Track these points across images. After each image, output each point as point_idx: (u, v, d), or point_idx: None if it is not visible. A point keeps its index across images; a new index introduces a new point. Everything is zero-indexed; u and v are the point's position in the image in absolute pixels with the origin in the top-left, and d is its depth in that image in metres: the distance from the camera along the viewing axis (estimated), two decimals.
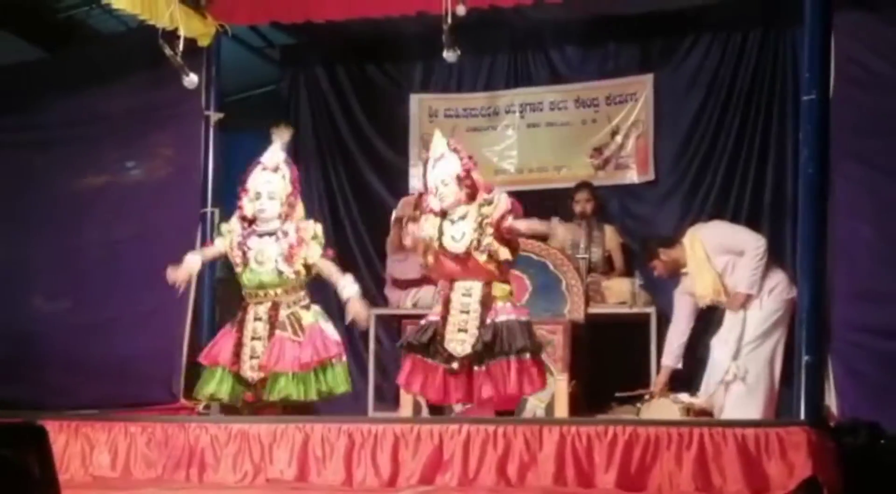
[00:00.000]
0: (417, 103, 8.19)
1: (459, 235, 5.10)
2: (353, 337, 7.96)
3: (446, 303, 5.14)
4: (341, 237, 8.18)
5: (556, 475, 4.51)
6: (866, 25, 5.39)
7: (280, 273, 5.44)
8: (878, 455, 4.32)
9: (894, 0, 5.42)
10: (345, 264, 7.95)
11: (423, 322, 5.27)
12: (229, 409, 5.61)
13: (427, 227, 5.19)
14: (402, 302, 7.35)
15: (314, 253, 5.49)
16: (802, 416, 4.65)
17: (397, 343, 5.60)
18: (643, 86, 7.70)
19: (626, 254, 7.42)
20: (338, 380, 5.45)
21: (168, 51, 6.15)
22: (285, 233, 5.46)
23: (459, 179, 5.14)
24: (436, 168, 5.20)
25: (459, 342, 5.06)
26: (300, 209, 5.65)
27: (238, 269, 5.52)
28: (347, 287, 5.48)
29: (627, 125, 7.71)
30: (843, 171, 5.24)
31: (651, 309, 6.79)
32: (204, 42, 6.92)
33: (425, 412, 6.15)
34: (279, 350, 5.35)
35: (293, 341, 5.37)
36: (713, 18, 7.52)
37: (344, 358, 5.54)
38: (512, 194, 7.51)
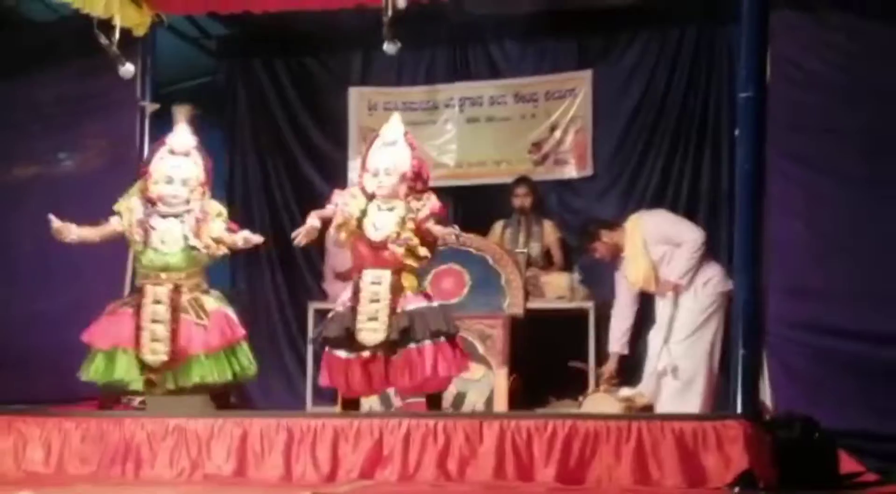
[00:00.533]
0: (357, 96, 8.16)
1: (381, 224, 5.10)
2: (291, 331, 7.96)
3: (356, 292, 5.13)
4: (279, 230, 8.08)
5: (496, 469, 4.53)
6: (802, 25, 5.47)
7: (190, 248, 5.37)
8: (812, 448, 4.39)
9: (829, 1, 5.50)
10: (283, 258, 8.05)
11: (330, 314, 5.25)
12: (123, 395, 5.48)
13: (352, 204, 5.17)
14: (342, 295, 7.30)
15: (216, 228, 5.44)
16: (739, 410, 4.72)
17: (309, 339, 5.54)
18: (582, 82, 7.75)
19: (565, 249, 7.47)
20: (247, 361, 5.43)
21: (103, 40, 6.05)
22: (189, 212, 5.41)
23: (403, 177, 5.12)
24: (383, 152, 5.18)
25: (371, 330, 5.06)
26: (207, 196, 5.58)
27: (137, 247, 5.43)
28: (253, 236, 5.46)
29: (566, 120, 7.76)
30: (778, 168, 5.31)
31: (589, 304, 6.86)
32: (139, 32, 6.81)
33: (364, 407, 6.13)
34: (185, 334, 5.30)
35: (198, 325, 5.32)
36: (651, 15, 7.60)
37: (245, 340, 5.49)
38: (452, 189, 7.71)
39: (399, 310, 5.04)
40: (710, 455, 4.35)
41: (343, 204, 5.21)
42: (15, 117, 7.34)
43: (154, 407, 5.33)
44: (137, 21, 6.76)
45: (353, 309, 5.09)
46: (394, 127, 5.25)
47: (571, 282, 6.99)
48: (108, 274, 6.66)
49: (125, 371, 5.33)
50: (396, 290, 5.07)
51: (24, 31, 7.78)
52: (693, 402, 6.15)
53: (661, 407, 6.19)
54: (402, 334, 5.00)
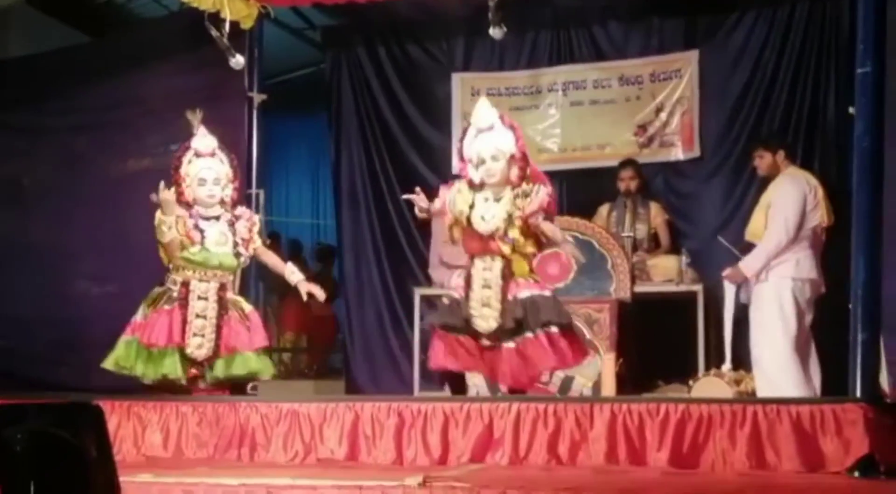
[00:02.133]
0: (459, 82, 8.13)
1: (489, 216, 5.03)
2: (397, 317, 7.99)
3: (468, 280, 5.09)
4: (384, 217, 8.17)
5: (608, 453, 4.48)
6: None
7: (238, 255, 5.61)
8: None
9: None
10: (388, 244, 8.08)
11: (445, 300, 5.22)
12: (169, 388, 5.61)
13: (458, 201, 5.11)
14: (448, 281, 7.31)
15: (258, 241, 5.72)
16: (858, 393, 4.58)
17: (423, 323, 5.56)
18: (688, 62, 7.60)
19: (672, 232, 7.36)
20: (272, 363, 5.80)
21: (214, 32, 6.15)
22: (237, 218, 5.65)
23: (513, 159, 5.03)
24: (481, 139, 5.05)
25: (484, 318, 5.02)
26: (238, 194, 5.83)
27: (193, 248, 5.54)
28: (295, 272, 5.71)
29: (672, 102, 7.62)
30: None
31: (698, 287, 6.73)
32: (246, 24, 6.90)
33: (472, 392, 6.13)
34: (236, 329, 5.52)
35: (243, 324, 5.55)
36: None
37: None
38: (556, 173, 7.65)
39: (511, 297, 4.98)
40: (829, 439, 4.24)
41: (451, 202, 5.15)
42: (128, 112, 7.51)
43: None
44: (244, 13, 6.85)
45: (467, 297, 5.07)
46: (485, 112, 5.10)
47: (679, 265, 6.87)
48: None
49: (172, 367, 5.48)
50: (507, 276, 5.02)
51: (135, 29, 7.97)
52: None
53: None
54: (516, 323, 4.95)
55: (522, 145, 5.07)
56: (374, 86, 8.32)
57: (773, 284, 6.19)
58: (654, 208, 7.32)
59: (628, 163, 7.42)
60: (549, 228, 5.01)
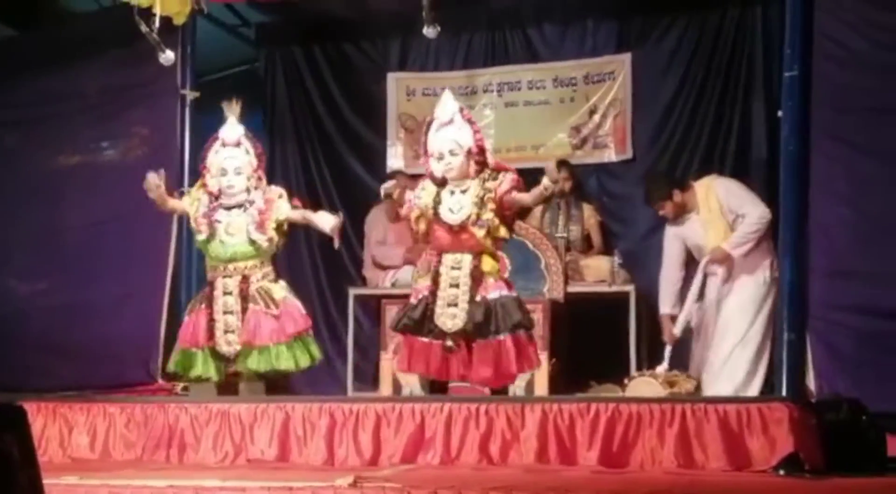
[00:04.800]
0: (395, 82, 8.12)
1: (457, 207, 5.03)
2: (331, 317, 7.95)
3: (435, 277, 5.07)
4: None
5: (539, 452, 4.50)
6: (845, 2, 5.36)
7: (253, 242, 5.48)
8: (859, 431, 4.31)
9: None
10: (321, 244, 8.02)
11: (412, 299, 5.19)
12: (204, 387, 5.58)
13: (423, 195, 5.11)
14: (382, 281, 7.31)
15: (284, 209, 5.55)
16: (784, 392, 4.65)
17: (390, 324, 5.52)
18: (621, 65, 7.66)
19: (605, 233, 7.41)
20: (314, 350, 5.55)
21: (144, 27, 6.07)
22: (252, 202, 5.52)
23: (470, 153, 5.05)
24: (442, 132, 5.07)
25: (450, 316, 5.00)
26: (264, 182, 5.70)
27: (201, 237, 5.54)
28: (325, 216, 5.57)
29: (605, 104, 7.67)
30: (822, 149, 5.21)
31: (630, 288, 6.78)
32: (179, 20, 6.79)
33: (405, 391, 6.12)
34: (255, 323, 5.38)
35: (267, 314, 5.40)
36: None
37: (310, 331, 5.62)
38: None
39: (479, 298, 4.97)
40: (755, 438, 4.30)
41: (415, 198, 5.15)
42: (59, 107, 7.39)
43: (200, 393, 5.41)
44: (177, 9, 6.74)
45: (433, 294, 5.04)
46: (447, 105, 5.14)
47: (612, 266, 6.91)
48: (150, 264, 6.70)
49: (202, 367, 5.46)
50: (476, 275, 5.01)
51: (66, 22, 7.83)
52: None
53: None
54: (479, 325, 4.94)
55: (480, 139, 5.10)
56: (308, 85, 8.27)
57: (748, 285, 6.20)
58: (587, 209, 7.36)
59: (562, 163, 7.42)
60: (528, 196, 5.07)
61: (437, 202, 5.05)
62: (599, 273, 6.96)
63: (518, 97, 7.90)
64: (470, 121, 5.12)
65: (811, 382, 5.13)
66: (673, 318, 6.37)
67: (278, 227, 5.55)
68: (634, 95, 7.61)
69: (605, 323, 6.75)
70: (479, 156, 5.05)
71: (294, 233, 8.14)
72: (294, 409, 4.85)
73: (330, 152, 8.21)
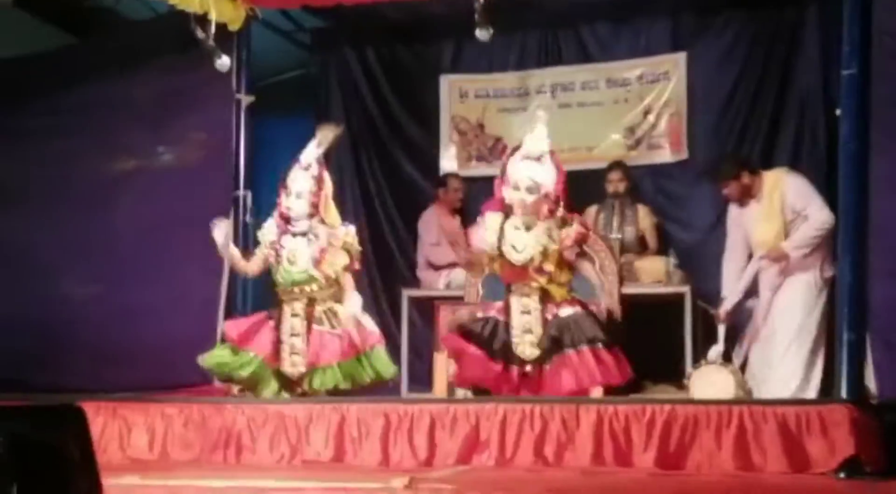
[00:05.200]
0: (447, 84, 8.13)
1: (521, 246, 5.04)
2: (385, 318, 7.97)
3: (506, 308, 5.09)
4: (373, 219, 8.15)
5: (594, 454, 4.48)
6: None
7: (311, 275, 5.57)
8: None
9: None
10: (377, 246, 8.05)
11: (480, 314, 5.20)
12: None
13: (489, 235, 5.09)
14: (435, 283, 7.33)
15: (340, 262, 5.62)
16: (843, 394, 4.58)
17: (450, 327, 5.51)
18: (675, 64, 7.61)
19: (660, 234, 7.35)
20: (383, 365, 5.57)
21: (200, 34, 6.14)
22: (316, 236, 5.59)
23: (547, 197, 5.04)
24: (526, 166, 5.07)
25: (529, 344, 5.02)
26: (333, 211, 5.75)
27: (273, 267, 5.67)
28: (351, 301, 5.62)
29: (660, 104, 7.62)
30: (882, 148, 5.13)
31: (685, 288, 6.72)
32: (234, 26, 6.89)
33: (460, 393, 6.11)
34: (319, 343, 5.46)
35: (332, 334, 5.49)
36: None
37: (382, 345, 5.66)
38: None
39: (550, 317, 4.98)
40: (815, 441, 4.25)
41: (480, 240, 5.15)
42: (116, 114, 7.47)
43: None
44: (232, 16, 6.83)
45: (506, 324, 5.06)
46: (540, 142, 5.14)
47: (667, 267, 6.87)
48: (206, 268, 6.76)
49: (268, 386, 5.53)
50: (546, 299, 5.02)
51: (122, 30, 7.94)
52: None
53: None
54: (554, 341, 4.94)
55: (561, 189, 5.08)
56: (362, 88, 8.31)
57: (800, 284, 6.13)
58: (642, 210, 7.32)
59: (616, 165, 7.42)
60: (586, 268, 5.11)
61: (500, 237, 5.05)
62: (654, 274, 6.92)
63: (572, 98, 7.88)
64: (558, 167, 5.10)
65: (871, 383, 5.05)
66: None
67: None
68: (689, 95, 7.56)
69: (660, 324, 6.70)
70: (553, 205, 5.04)
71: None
72: (349, 411, 4.87)
73: (383, 155, 8.24)
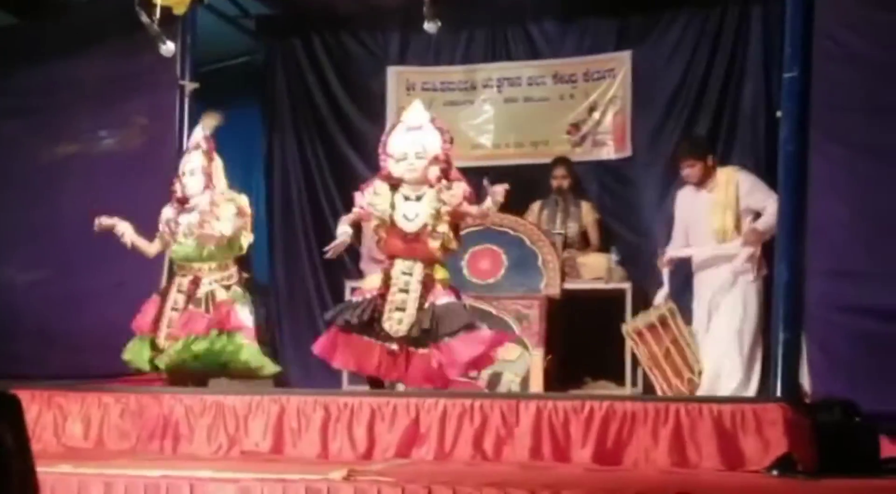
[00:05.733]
0: (395, 76, 8.12)
1: (413, 215, 5.01)
2: (328, 308, 7.93)
3: (386, 280, 5.06)
4: (317, 210, 8.13)
5: (533, 449, 4.49)
6: (845, 2, 5.36)
7: (197, 249, 5.67)
8: (852, 432, 4.32)
9: None
10: (320, 236, 8.02)
11: (358, 298, 5.16)
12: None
13: (378, 202, 5.07)
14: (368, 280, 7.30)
15: (226, 214, 5.66)
16: (778, 393, 4.65)
17: (327, 315, 5.46)
18: (621, 62, 7.67)
19: (602, 230, 7.42)
20: (250, 355, 5.62)
21: (145, 18, 6.07)
22: (198, 205, 5.69)
23: (436, 160, 5.04)
24: (410, 135, 5.07)
25: (397, 321, 4.98)
26: (220, 180, 5.81)
27: (171, 243, 5.79)
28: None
29: (605, 101, 7.69)
30: (821, 149, 5.20)
31: (626, 285, 6.81)
32: (179, 10, 6.76)
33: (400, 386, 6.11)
34: (185, 319, 5.57)
35: (201, 315, 5.56)
36: None
37: (250, 341, 5.65)
38: (489, 169, 7.63)
39: (427, 305, 4.97)
40: (749, 438, 4.29)
41: (369, 204, 5.12)
42: (58, 96, 7.38)
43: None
44: (178, 0, 6.75)
45: (382, 297, 5.03)
46: (418, 112, 5.14)
47: (609, 264, 6.94)
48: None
49: (136, 354, 5.70)
50: (427, 282, 5.01)
51: (66, 11, 7.82)
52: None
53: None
54: (425, 331, 4.93)
55: (448, 148, 5.06)
56: (308, 78, 8.27)
57: (740, 283, 6.21)
58: (586, 207, 7.37)
59: (561, 161, 7.46)
60: (475, 209, 5.04)
61: (392, 207, 5.04)
62: (596, 270, 6.98)
63: (518, 93, 7.91)
64: (441, 130, 5.09)
65: (805, 382, 5.13)
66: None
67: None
68: (634, 93, 7.63)
69: (601, 320, 6.75)
70: (443, 164, 5.02)
71: (291, 226, 8.20)
72: (289, 402, 4.85)
73: (328, 145, 8.22)
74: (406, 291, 5.00)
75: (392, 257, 5.08)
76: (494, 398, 4.80)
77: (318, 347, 5.18)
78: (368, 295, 5.07)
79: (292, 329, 8.14)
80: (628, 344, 6.53)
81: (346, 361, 5.13)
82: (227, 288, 5.69)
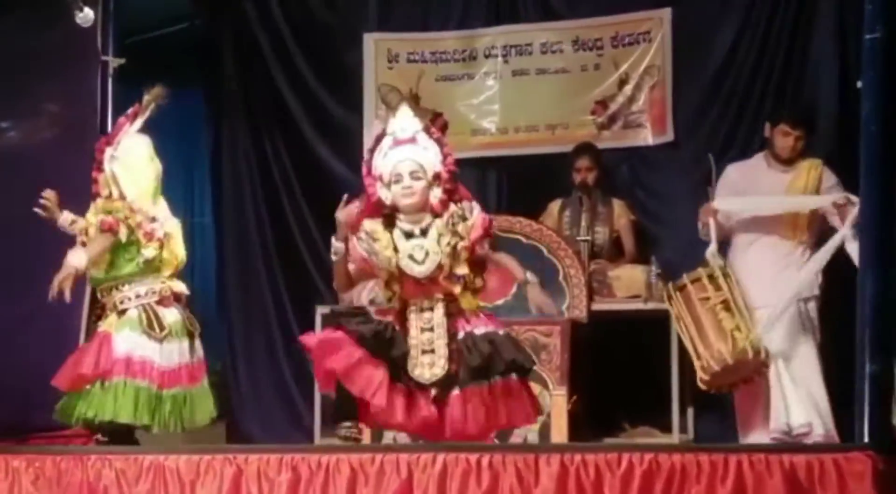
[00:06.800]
0: (373, 45, 8.16)
1: (421, 255, 4.96)
2: (293, 342, 7.96)
3: (403, 322, 5.04)
4: (279, 216, 8.14)
5: None
6: None
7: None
8: None
9: None
10: (283, 253, 8.04)
11: (377, 318, 5.12)
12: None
13: (379, 249, 5.00)
14: (357, 297, 7.31)
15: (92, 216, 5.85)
16: (866, 439, 4.65)
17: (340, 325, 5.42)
18: (658, 23, 7.73)
19: (639, 236, 7.43)
20: (124, 409, 5.63)
21: None
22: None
23: (438, 179, 5.00)
24: (400, 150, 4.99)
25: (427, 366, 4.97)
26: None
27: None
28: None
29: (639, 72, 7.75)
30: None
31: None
32: None
33: (389, 438, 6.12)
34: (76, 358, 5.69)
35: (82, 349, 5.73)
36: None
37: (131, 381, 5.65)
38: (495, 160, 7.69)
39: (462, 334, 4.96)
40: None
41: (370, 252, 5.04)
42: None
43: None
44: None
45: (403, 339, 5.02)
46: (406, 120, 5.07)
47: (647, 278, 6.94)
48: None
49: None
50: (453, 312, 5.00)
51: None
52: None
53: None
54: (483, 361, 4.91)
55: (451, 162, 5.02)
56: (264, 50, 8.32)
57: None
58: (618, 206, 7.40)
59: (585, 149, 7.48)
60: (504, 261, 5.09)
61: (395, 251, 4.98)
62: (632, 286, 6.99)
63: (529, 64, 7.97)
64: (439, 142, 5.06)
65: None
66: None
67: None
68: (676, 62, 7.67)
69: (639, 350, 6.77)
70: (448, 184, 4.98)
71: (245, 239, 8.20)
72: (248, 462, 4.84)
73: (292, 134, 8.27)
74: (430, 329, 4.99)
75: (407, 297, 5.06)
76: (507, 451, 4.79)
77: (311, 337, 5.17)
78: (388, 319, 5.05)
79: (247, 367, 8.14)
80: (674, 376, 6.54)
81: (348, 376, 5.05)
82: (121, 313, 5.74)
